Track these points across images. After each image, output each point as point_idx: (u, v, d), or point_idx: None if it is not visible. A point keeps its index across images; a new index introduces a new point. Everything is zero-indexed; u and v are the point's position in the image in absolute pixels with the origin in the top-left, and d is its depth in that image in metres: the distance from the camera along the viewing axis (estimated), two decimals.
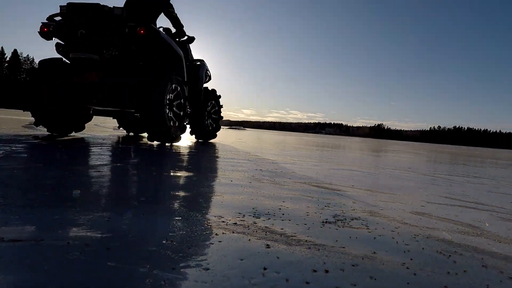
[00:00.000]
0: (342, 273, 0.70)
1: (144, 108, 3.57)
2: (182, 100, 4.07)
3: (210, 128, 5.56)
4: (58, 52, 3.70)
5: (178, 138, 3.97)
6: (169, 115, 3.74)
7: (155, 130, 3.68)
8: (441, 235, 1.05)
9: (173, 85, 3.79)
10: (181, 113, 4.06)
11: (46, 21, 3.65)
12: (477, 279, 0.73)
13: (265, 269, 0.68)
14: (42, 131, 4.29)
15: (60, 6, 3.62)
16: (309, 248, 0.83)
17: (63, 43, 3.68)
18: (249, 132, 25.32)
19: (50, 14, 3.69)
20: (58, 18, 3.68)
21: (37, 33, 3.62)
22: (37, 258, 0.65)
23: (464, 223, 1.24)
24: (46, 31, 3.59)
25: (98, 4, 3.66)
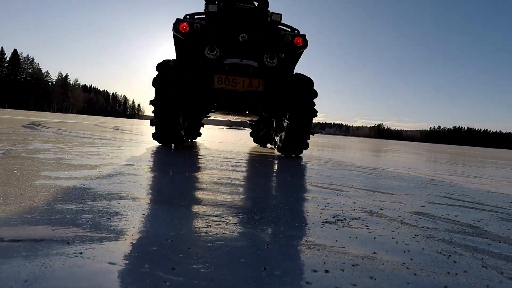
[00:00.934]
0: (342, 273, 0.70)
1: (296, 120, 3.43)
2: None
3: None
4: (208, 55, 3.17)
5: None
6: None
7: (299, 143, 3.57)
8: (441, 235, 1.05)
9: None
10: None
11: (184, 19, 3.17)
12: (477, 279, 0.73)
13: (265, 269, 0.69)
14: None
15: (209, 5, 3.18)
16: (309, 248, 0.83)
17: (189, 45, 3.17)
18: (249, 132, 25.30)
19: (194, 11, 3.24)
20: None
21: (172, 32, 3.11)
22: None
23: (464, 223, 1.24)
24: (188, 30, 3.07)
25: (260, 6, 3.28)
